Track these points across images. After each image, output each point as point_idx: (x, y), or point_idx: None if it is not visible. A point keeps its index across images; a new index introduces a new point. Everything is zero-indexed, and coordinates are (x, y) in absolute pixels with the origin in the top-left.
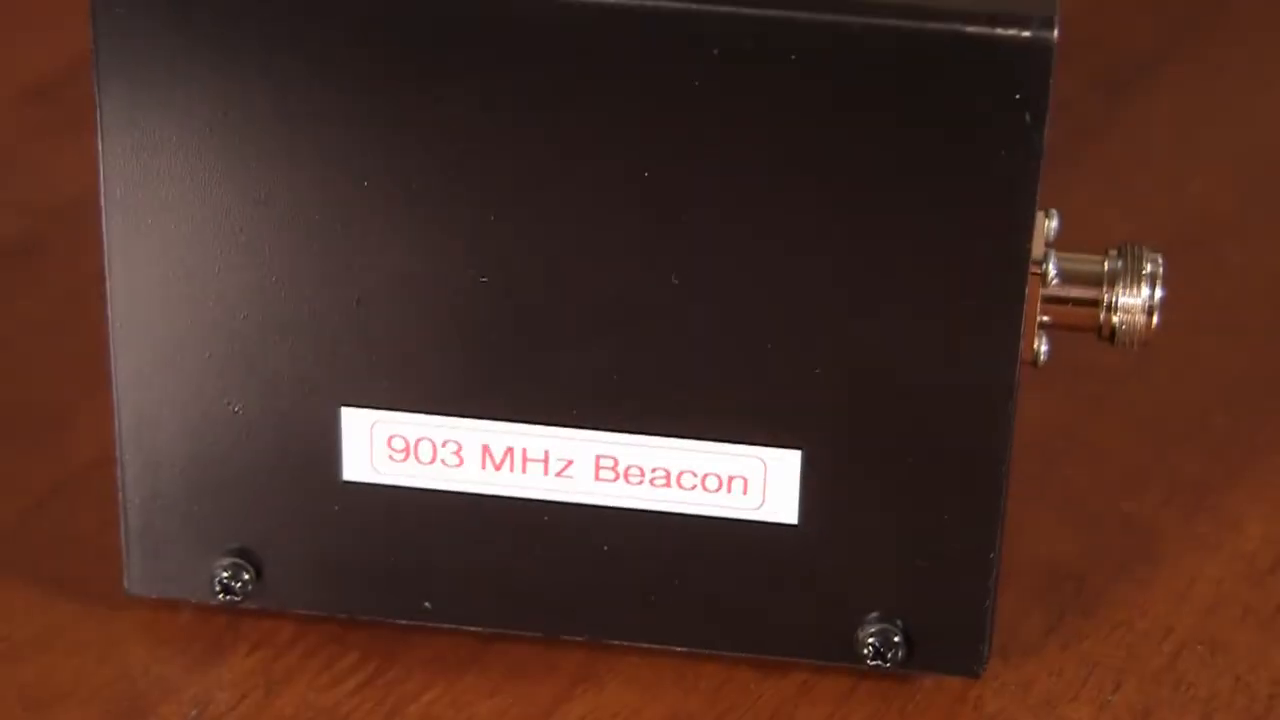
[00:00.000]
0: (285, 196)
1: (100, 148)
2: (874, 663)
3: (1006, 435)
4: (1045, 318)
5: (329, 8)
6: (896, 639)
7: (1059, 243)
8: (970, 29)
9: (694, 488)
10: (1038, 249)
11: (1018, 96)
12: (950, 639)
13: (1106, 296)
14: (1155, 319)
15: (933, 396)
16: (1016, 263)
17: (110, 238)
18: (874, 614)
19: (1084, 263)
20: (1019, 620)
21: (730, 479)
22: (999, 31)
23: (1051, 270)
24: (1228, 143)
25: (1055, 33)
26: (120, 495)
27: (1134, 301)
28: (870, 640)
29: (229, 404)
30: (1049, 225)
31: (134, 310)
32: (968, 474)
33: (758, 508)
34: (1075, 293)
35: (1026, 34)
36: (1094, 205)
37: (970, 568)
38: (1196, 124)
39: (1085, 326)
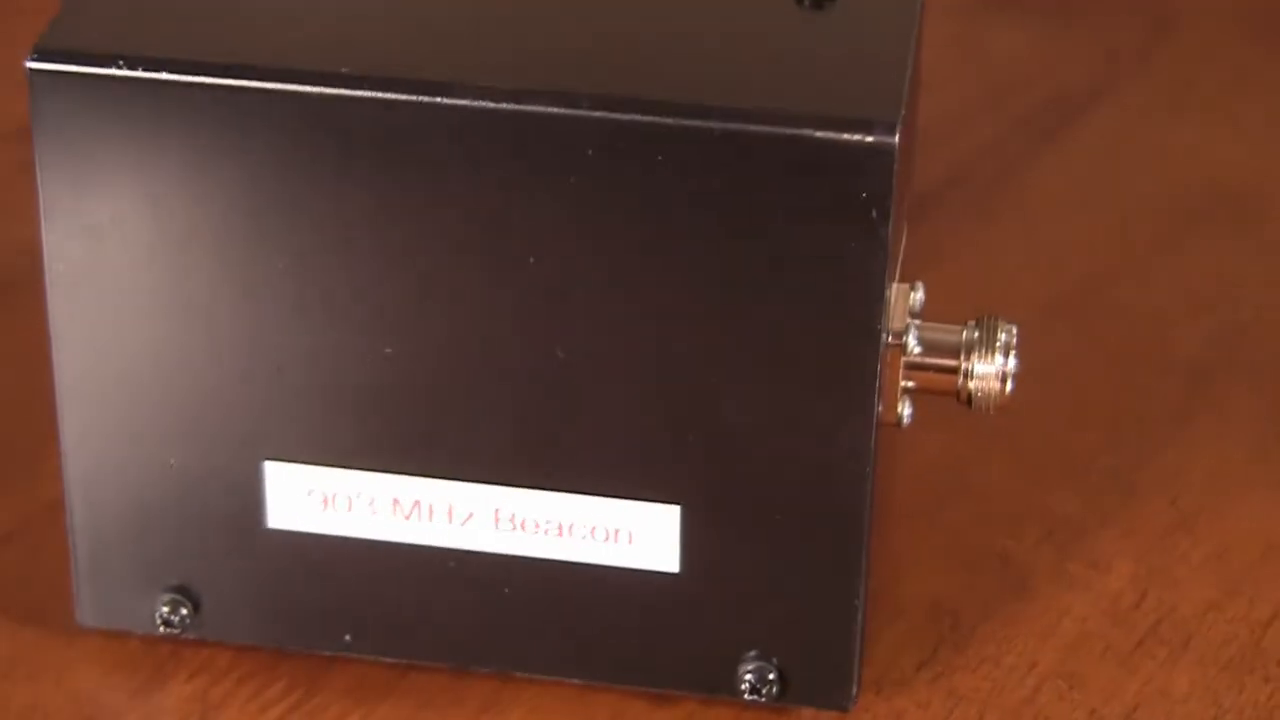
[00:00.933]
0: (212, 277)
1: (42, 230)
2: (751, 697)
3: (866, 494)
4: (910, 383)
5: (250, 115)
6: (771, 676)
7: (926, 312)
8: (819, 134)
9: (584, 538)
10: (900, 321)
11: (864, 195)
12: (821, 676)
13: (963, 365)
14: (1009, 386)
15: (798, 459)
16: (868, 340)
17: (53, 311)
18: (752, 652)
19: (944, 333)
20: (895, 655)
21: (616, 531)
22: (844, 137)
23: (912, 341)
24: (1142, 185)
25: (896, 137)
26: (70, 537)
27: (988, 370)
28: (748, 676)
29: (165, 458)
30: (914, 297)
31: (77, 375)
32: (832, 529)
33: (642, 557)
34: (935, 361)
35: (870, 139)
36: (1010, 244)
37: (837, 613)
38: (1116, 166)
39: (946, 391)
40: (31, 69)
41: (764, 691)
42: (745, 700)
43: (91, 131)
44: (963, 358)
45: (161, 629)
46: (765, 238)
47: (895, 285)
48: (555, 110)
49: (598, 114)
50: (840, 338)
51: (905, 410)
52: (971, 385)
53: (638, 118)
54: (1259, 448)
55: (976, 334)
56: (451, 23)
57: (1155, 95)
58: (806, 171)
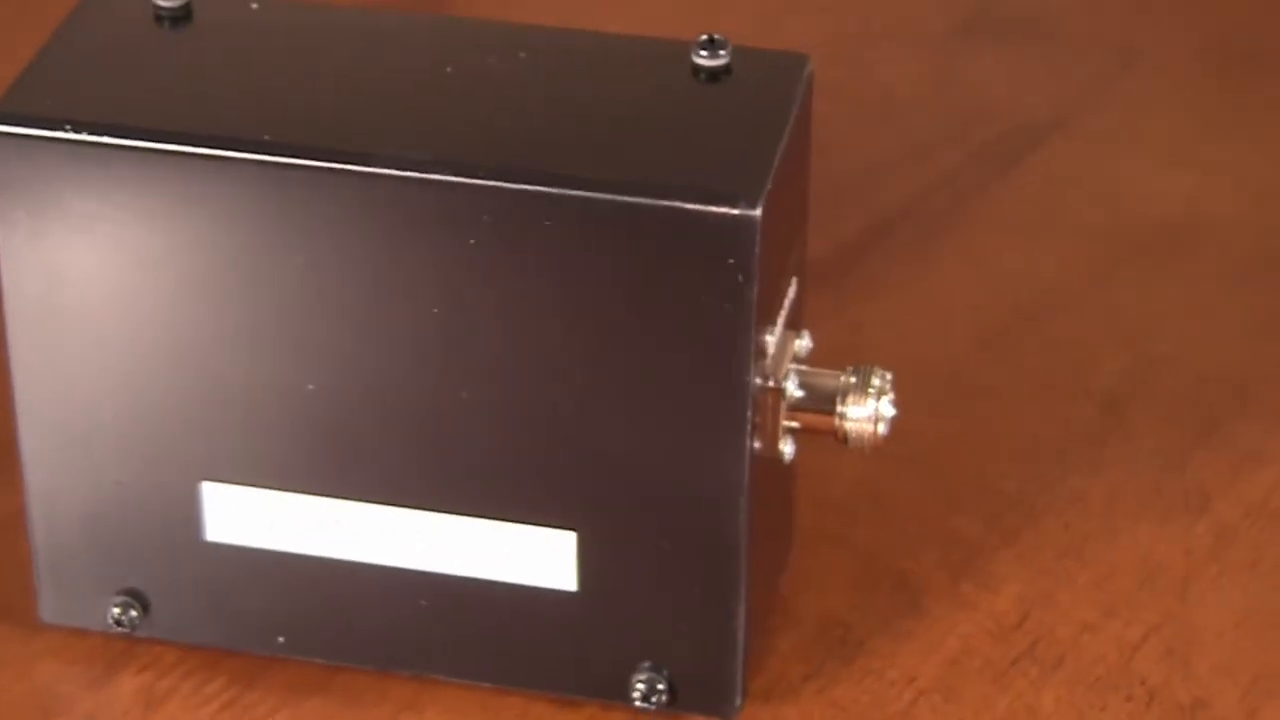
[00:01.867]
0: (153, 317)
1: (2, 270)
2: (641, 704)
3: (741, 524)
4: (794, 423)
5: (183, 175)
6: (660, 686)
7: (811, 358)
8: (688, 206)
9: (491, 558)
10: (783, 367)
11: (730, 261)
12: (707, 687)
13: (839, 409)
14: (881, 429)
15: (680, 493)
16: (739, 388)
17: (12, 342)
18: (645, 664)
19: (823, 378)
20: (787, 665)
21: (521, 551)
22: (711, 209)
23: (792, 386)
24: (1089, 217)
25: (758, 210)
26: (31, 542)
27: (861, 413)
28: (639, 685)
29: (114, 476)
30: (799, 344)
31: (35, 406)
32: (712, 554)
33: (543, 576)
34: (815, 404)
35: (735, 211)
36: (953, 275)
37: (720, 631)
38: (1066, 198)
39: (826, 432)
40: None
41: (653, 700)
42: (637, 707)
43: (43, 186)
44: (839, 402)
45: (114, 628)
46: (644, 296)
47: (780, 333)
48: (455, 179)
49: (492, 183)
50: (714, 385)
51: (787, 447)
52: (846, 426)
53: (527, 187)
54: (1157, 477)
55: (853, 380)
56: (374, 98)
57: (1113, 128)
58: (678, 238)
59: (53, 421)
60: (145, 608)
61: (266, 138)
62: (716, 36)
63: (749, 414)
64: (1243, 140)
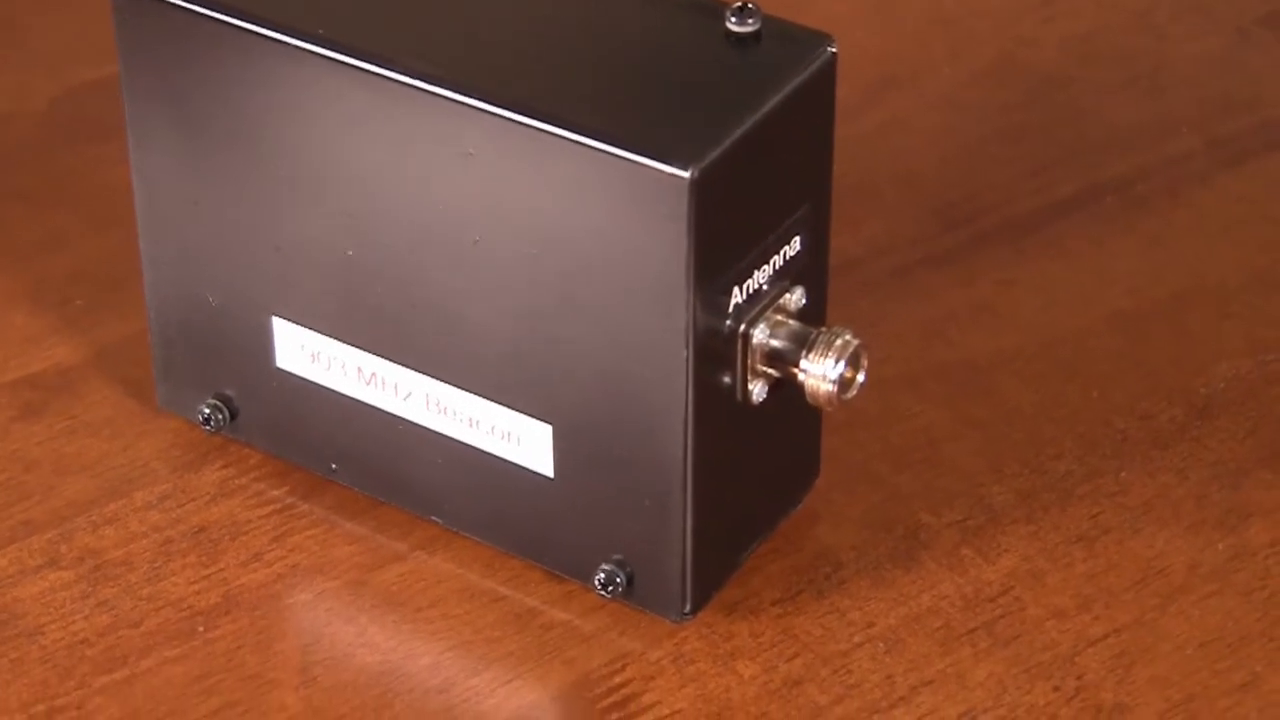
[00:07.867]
0: (237, 176)
1: (129, 129)
2: (601, 592)
3: (684, 448)
4: (771, 370)
5: (263, 55)
6: (619, 579)
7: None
8: (633, 157)
9: (487, 432)
10: (755, 316)
11: (665, 212)
12: (660, 589)
13: (802, 362)
14: (840, 390)
15: (635, 412)
16: (676, 328)
17: (136, 184)
18: (616, 556)
19: (796, 332)
20: (766, 587)
21: (509, 432)
22: (651, 164)
23: (761, 334)
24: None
25: (690, 172)
26: (151, 343)
27: (818, 370)
28: (602, 573)
29: (208, 296)
30: (788, 298)
31: (151, 230)
32: (660, 477)
33: (527, 457)
34: (787, 354)
35: (669, 169)
36: (1127, 253)
37: (670, 543)
38: (1272, 199)
39: (792, 382)
40: None
41: (610, 589)
42: (597, 594)
43: (160, 46)
44: (803, 356)
45: (205, 426)
46: (602, 232)
47: (758, 284)
48: (450, 94)
49: (477, 104)
50: (658, 320)
51: (755, 389)
52: (802, 380)
53: (505, 114)
54: (1207, 489)
55: (820, 337)
56: (434, 19)
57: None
58: (626, 185)
59: (164, 248)
60: (233, 414)
61: (320, 32)
62: (749, 5)
63: (687, 350)
64: None
